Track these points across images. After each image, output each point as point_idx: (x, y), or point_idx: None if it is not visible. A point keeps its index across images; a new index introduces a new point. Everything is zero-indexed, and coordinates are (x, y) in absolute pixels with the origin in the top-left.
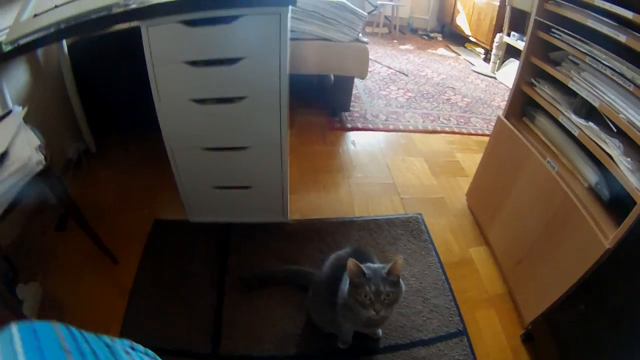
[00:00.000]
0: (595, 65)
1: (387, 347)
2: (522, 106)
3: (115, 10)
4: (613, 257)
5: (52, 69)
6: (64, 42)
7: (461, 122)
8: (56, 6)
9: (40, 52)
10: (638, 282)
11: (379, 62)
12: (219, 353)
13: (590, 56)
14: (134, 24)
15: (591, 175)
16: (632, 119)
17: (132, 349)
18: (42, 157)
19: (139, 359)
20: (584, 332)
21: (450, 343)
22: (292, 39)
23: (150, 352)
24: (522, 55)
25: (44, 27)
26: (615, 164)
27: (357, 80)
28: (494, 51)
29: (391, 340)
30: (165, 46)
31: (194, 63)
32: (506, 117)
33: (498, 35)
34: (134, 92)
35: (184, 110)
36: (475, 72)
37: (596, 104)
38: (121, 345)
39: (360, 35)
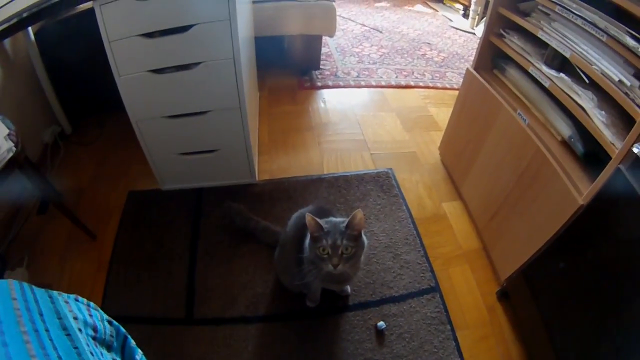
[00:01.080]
0: (566, 15)
1: (357, 304)
2: (492, 58)
3: None
4: (589, 213)
5: (21, 58)
6: (30, 30)
7: (436, 76)
8: None
9: (7, 43)
10: (617, 241)
11: (352, 20)
12: (192, 318)
13: (560, 5)
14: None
15: (564, 129)
16: (606, 70)
17: (76, 300)
18: (12, 144)
19: (77, 308)
20: (563, 291)
21: (422, 300)
22: (255, 2)
23: (92, 304)
24: (490, 6)
25: (6, 19)
26: (589, 117)
27: (329, 39)
28: (472, 7)
29: (360, 297)
30: (119, 22)
31: (149, 35)
32: (475, 69)
33: None
34: (104, 70)
35: (143, 81)
36: (454, 27)
37: (567, 55)
38: (65, 297)
39: None
